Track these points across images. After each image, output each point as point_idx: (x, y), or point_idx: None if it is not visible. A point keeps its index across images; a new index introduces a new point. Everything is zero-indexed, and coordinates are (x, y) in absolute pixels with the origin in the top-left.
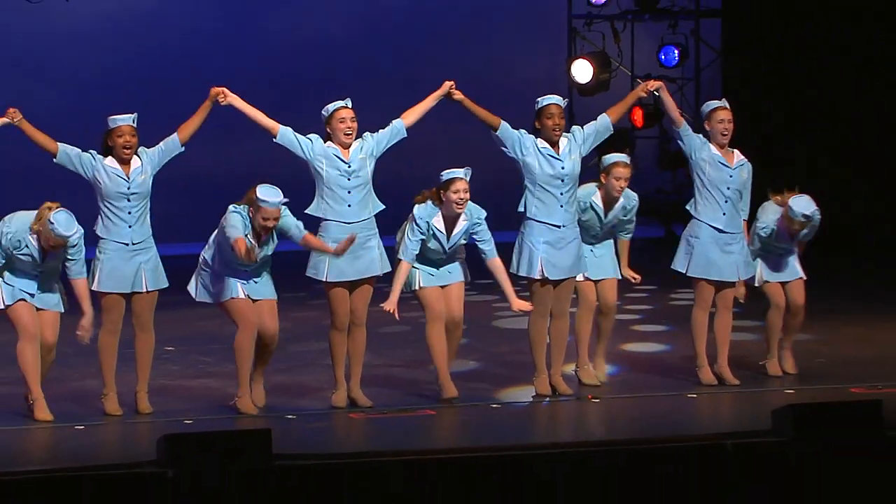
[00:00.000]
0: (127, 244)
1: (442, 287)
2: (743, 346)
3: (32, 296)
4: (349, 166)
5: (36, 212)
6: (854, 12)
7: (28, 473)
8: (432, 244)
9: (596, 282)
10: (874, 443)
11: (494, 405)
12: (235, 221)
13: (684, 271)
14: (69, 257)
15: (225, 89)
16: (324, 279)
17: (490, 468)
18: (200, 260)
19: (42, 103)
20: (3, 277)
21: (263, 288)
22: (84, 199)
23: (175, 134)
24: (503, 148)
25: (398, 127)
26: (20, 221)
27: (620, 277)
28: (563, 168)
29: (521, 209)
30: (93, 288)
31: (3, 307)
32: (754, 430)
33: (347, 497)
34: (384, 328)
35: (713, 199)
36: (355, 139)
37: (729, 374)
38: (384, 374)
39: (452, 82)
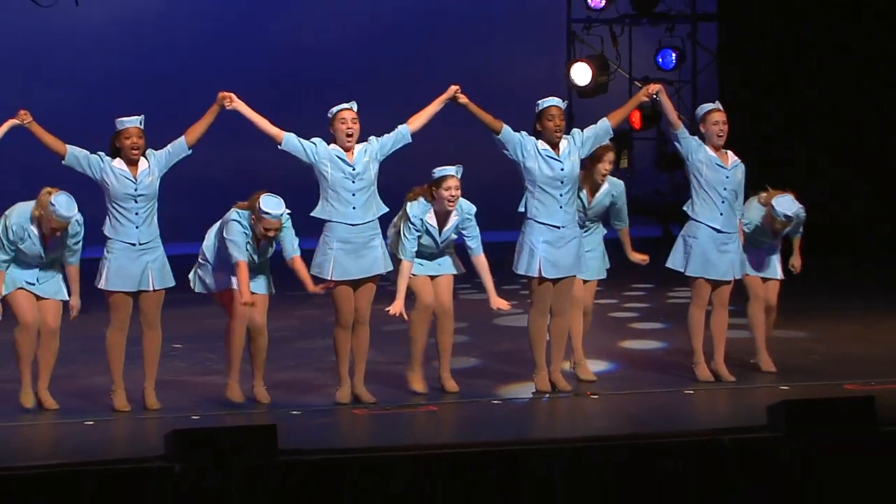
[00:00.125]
0: (134, 244)
1: (432, 277)
2: (739, 344)
3: (33, 284)
4: (353, 169)
5: (35, 200)
6: (854, 11)
7: (38, 468)
8: (425, 240)
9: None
10: (867, 438)
11: (495, 401)
12: (236, 235)
13: (683, 270)
14: (71, 246)
15: (232, 95)
16: (328, 278)
17: (491, 463)
18: (200, 253)
19: (50, 105)
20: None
21: (258, 284)
22: (88, 198)
23: (182, 137)
24: (504, 151)
25: (403, 132)
26: (21, 212)
27: (605, 276)
28: (562, 170)
29: (521, 210)
30: (100, 286)
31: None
32: (750, 426)
33: (351, 491)
34: (387, 326)
35: (710, 199)
36: (360, 142)
37: (725, 371)
38: (387, 371)
39: (458, 87)
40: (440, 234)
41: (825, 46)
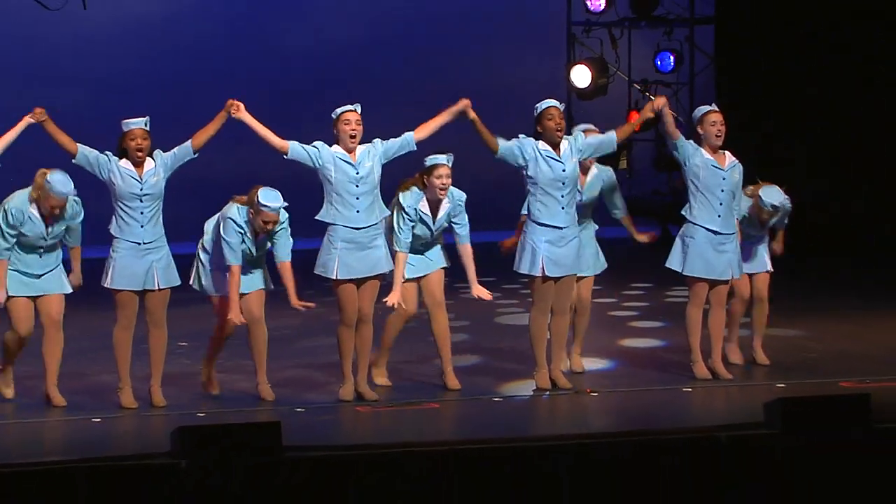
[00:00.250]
0: (139, 243)
1: (422, 277)
2: (742, 342)
3: (38, 277)
4: (357, 172)
5: (32, 182)
6: (854, 11)
7: (47, 464)
8: (419, 229)
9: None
10: (862, 435)
11: (496, 399)
12: (232, 235)
13: (680, 270)
14: (72, 227)
15: (240, 104)
16: (333, 277)
17: (496, 459)
18: (199, 248)
19: (57, 106)
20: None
21: (254, 280)
22: (94, 197)
23: (189, 140)
24: (507, 164)
25: (408, 139)
26: (19, 196)
27: (600, 272)
28: (563, 171)
29: (524, 212)
30: (106, 285)
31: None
32: (747, 423)
33: (355, 487)
34: None
35: (708, 202)
36: (364, 144)
37: (722, 369)
38: (389, 369)
39: (468, 101)
40: (434, 222)
41: (825, 46)
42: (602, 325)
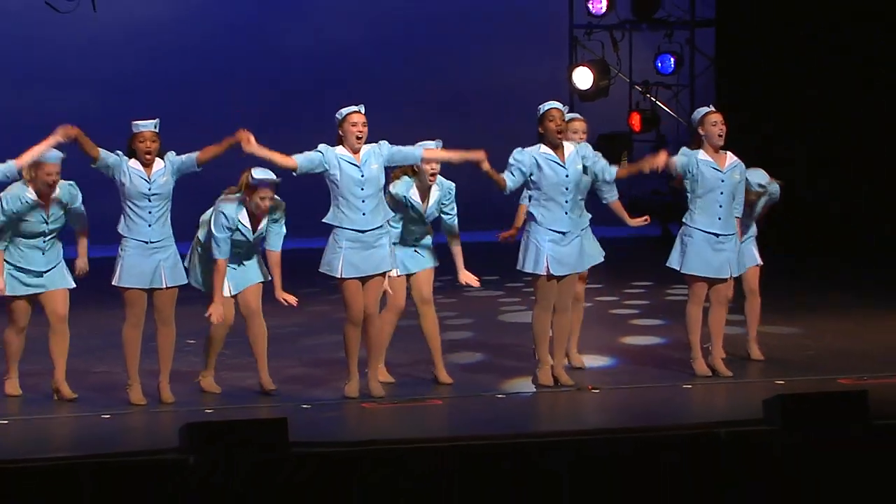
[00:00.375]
0: (146, 242)
1: (411, 274)
2: (736, 339)
3: (41, 275)
4: (362, 175)
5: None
6: (854, 13)
7: (56, 460)
8: (413, 216)
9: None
10: (861, 431)
11: (499, 395)
12: (220, 230)
13: (679, 269)
14: (74, 213)
15: (251, 137)
16: (338, 275)
17: (499, 456)
18: (194, 242)
19: (67, 107)
20: (9, 260)
21: (249, 272)
22: (101, 196)
23: (196, 153)
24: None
25: (416, 153)
26: (15, 185)
27: (600, 261)
28: (566, 176)
29: (523, 201)
30: (114, 283)
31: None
32: (746, 419)
33: (361, 483)
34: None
35: (707, 207)
36: (368, 144)
37: (722, 366)
38: (392, 368)
39: (485, 155)
40: (425, 210)
41: (824, 48)
42: (603, 322)
